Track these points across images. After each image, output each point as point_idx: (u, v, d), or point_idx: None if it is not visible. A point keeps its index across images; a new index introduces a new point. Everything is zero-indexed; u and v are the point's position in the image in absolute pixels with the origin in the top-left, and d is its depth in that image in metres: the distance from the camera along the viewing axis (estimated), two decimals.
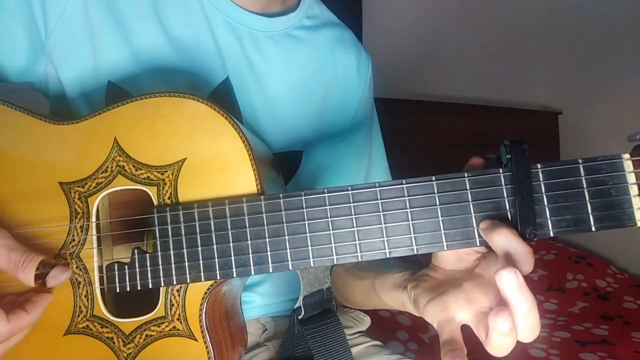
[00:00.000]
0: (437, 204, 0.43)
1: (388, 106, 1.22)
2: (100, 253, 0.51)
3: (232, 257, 0.46)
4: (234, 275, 0.46)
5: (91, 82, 0.60)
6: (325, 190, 0.45)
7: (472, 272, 0.45)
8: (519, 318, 0.37)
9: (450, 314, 0.44)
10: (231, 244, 0.46)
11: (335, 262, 0.45)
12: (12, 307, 0.44)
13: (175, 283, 0.47)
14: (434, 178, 0.43)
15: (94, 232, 0.50)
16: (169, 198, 0.49)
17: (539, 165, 0.42)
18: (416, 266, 0.54)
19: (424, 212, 0.43)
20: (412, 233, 0.43)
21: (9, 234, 0.47)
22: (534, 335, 0.38)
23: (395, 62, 2.09)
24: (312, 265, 0.45)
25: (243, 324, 0.57)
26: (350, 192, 0.44)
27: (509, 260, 0.39)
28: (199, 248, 0.47)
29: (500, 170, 0.42)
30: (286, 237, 0.45)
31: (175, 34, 0.62)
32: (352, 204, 0.44)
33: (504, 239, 0.40)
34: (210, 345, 0.48)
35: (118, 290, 0.48)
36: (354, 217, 0.44)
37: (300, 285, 0.57)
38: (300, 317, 0.57)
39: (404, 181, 0.44)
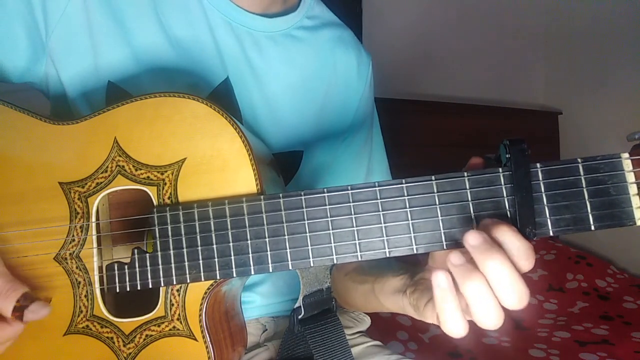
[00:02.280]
0: (437, 203, 0.43)
1: (388, 106, 1.22)
2: (100, 253, 0.51)
3: (232, 257, 0.46)
4: (234, 275, 0.46)
5: (91, 82, 0.60)
6: (325, 189, 0.45)
7: None
8: (490, 273, 0.38)
9: None
10: (231, 244, 0.46)
11: (335, 262, 0.45)
12: None
13: (175, 283, 0.47)
14: (433, 178, 0.43)
15: (94, 232, 0.50)
16: (168, 198, 0.49)
17: (538, 165, 0.42)
18: (414, 266, 0.54)
19: (423, 212, 0.43)
20: (411, 232, 0.43)
21: (1, 260, 0.47)
22: (517, 298, 0.38)
23: (396, 62, 2.09)
24: (312, 264, 0.45)
25: (243, 324, 0.57)
26: (349, 191, 0.44)
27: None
28: (199, 248, 0.47)
29: (500, 170, 0.42)
30: (286, 237, 0.45)
31: (176, 34, 0.62)
32: (351, 204, 0.44)
33: (504, 237, 0.40)
34: (210, 345, 0.48)
35: (118, 290, 0.48)
36: (353, 216, 0.44)
37: (300, 285, 0.57)
38: (300, 317, 0.57)
39: (403, 181, 0.44)
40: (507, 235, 0.39)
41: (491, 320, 0.39)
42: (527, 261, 0.39)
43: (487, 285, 0.38)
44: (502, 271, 0.37)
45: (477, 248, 0.38)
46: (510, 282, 0.38)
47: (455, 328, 0.40)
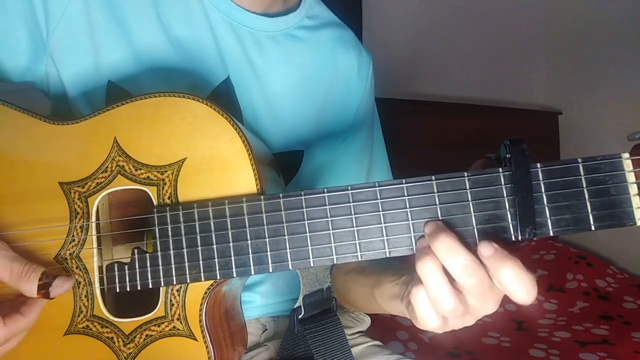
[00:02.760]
0: (437, 203, 0.43)
1: (388, 106, 1.22)
2: (100, 253, 0.51)
3: (232, 257, 0.46)
4: (234, 275, 0.46)
5: (92, 82, 0.60)
6: (325, 190, 0.45)
7: None
8: (439, 253, 0.39)
9: None
10: (231, 244, 0.46)
11: (335, 262, 0.45)
12: (8, 310, 0.44)
13: (175, 283, 0.47)
14: (433, 178, 0.43)
15: (94, 232, 0.50)
16: (168, 198, 0.49)
17: (538, 165, 0.42)
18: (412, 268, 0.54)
19: (423, 212, 0.43)
20: (412, 233, 0.43)
21: (7, 245, 0.47)
22: (464, 271, 0.39)
23: (396, 62, 2.09)
24: (312, 265, 0.45)
25: (243, 324, 0.57)
26: (350, 191, 0.44)
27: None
28: (199, 248, 0.47)
29: (500, 170, 0.42)
30: (286, 237, 0.45)
31: (176, 34, 0.62)
32: (351, 204, 0.44)
33: (510, 272, 0.38)
34: (210, 345, 0.48)
35: (118, 291, 0.48)
36: (353, 216, 0.44)
37: (300, 285, 0.57)
38: (300, 316, 0.57)
39: (403, 181, 0.44)
40: (513, 271, 0.38)
41: (444, 304, 0.40)
42: (532, 292, 0.38)
43: (439, 265, 0.39)
44: (450, 249, 0.39)
45: (429, 235, 0.41)
46: (458, 257, 0.39)
47: (427, 318, 0.41)
